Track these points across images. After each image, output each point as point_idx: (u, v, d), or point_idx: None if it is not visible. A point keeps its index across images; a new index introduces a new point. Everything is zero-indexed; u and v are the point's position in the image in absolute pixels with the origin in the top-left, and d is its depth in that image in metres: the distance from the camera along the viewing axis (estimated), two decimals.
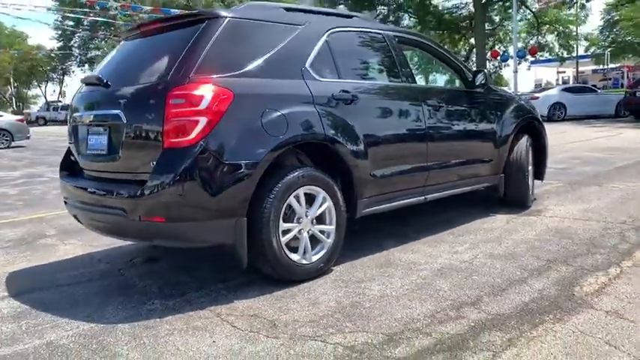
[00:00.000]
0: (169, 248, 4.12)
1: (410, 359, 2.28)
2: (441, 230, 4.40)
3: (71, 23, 48.68)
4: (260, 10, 3.50)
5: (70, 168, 3.77)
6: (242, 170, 2.97)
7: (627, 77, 45.48)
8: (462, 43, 36.96)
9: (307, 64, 3.46)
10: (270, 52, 3.31)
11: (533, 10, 33.30)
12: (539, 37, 36.78)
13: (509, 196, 4.98)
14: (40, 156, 14.46)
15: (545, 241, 3.95)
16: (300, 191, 3.23)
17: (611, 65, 50.64)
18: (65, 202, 3.67)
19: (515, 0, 26.58)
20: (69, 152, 3.83)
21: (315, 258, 3.33)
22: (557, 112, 20.19)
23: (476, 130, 4.61)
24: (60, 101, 57.44)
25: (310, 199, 3.32)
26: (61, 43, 53.18)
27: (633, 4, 31.59)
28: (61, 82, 61.90)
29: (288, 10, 3.66)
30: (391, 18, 35.10)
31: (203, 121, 2.88)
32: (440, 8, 34.03)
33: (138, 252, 4.27)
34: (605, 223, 4.39)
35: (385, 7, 34.09)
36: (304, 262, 3.28)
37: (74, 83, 63.03)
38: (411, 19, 34.62)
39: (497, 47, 38.09)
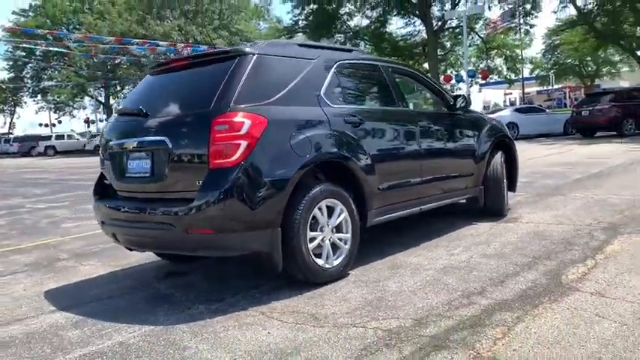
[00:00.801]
0: (189, 263, 4.49)
1: (440, 336, 2.74)
2: (434, 237, 4.91)
3: (23, 53, 47.89)
4: (279, 47, 3.98)
5: (104, 191, 4.11)
6: (277, 186, 3.41)
7: (569, 97, 48.13)
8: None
9: (322, 93, 3.96)
10: (292, 83, 3.79)
11: (482, 36, 35.07)
12: (488, 61, 38.64)
13: (489, 205, 5.56)
14: (9, 188, 14.32)
15: (527, 242, 4.52)
16: (323, 204, 3.69)
17: (555, 86, 53.56)
18: (102, 223, 3.99)
19: (465, 27, 28.05)
20: (102, 177, 4.17)
21: (336, 262, 3.78)
22: (511, 132, 21.36)
23: (459, 147, 5.20)
24: (11, 133, 56.00)
25: (330, 210, 3.78)
26: (12, 74, 52.03)
27: (573, 29, 33.77)
28: (12, 113, 60.39)
29: (300, 45, 4.17)
30: (347, 45, 36.25)
31: (244, 144, 3.31)
32: (394, 35, 35.40)
33: (159, 269, 4.60)
34: (574, 226, 5.01)
35: (342, 35, 35.19)
36: (327, 266, 3.71)
37: (26, 114, 61.39)
38: (367, 45, 35.83)
39: (449, 71, 39.74)
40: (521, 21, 34.05)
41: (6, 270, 4.95)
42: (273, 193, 3.40)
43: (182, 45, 35.49)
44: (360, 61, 4.57)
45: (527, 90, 49.87)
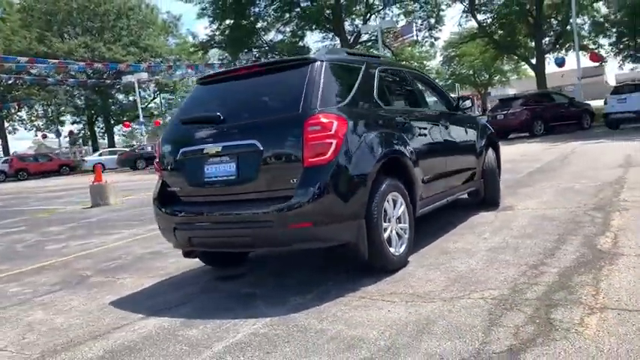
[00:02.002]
0: (234, 267, 4.62)
1: (544, 298, 3.15)
2: (453, 227, 5.37)
3: None
4: (337, 55, 4.29)
5: (168, 199, 4.16)
6: (361, 180, 3.71)
7: (475, 104, 51.57)
8: None
9: (375, 96, 4.30)
10: (355, 87, 4.10)
11: (392, 48, 36.86)
12: None
13: (487, 196, 6.13)
14: None
15: (541, 225, 5.09)
16: (390, 196, 4.02)
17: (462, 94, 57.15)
18: (174, 230, 4.04)
19: (380, 40, 29.47)
20: (164, 185, 4.21)
21: (401, 250, 4.11)
22: None
23: (467, 143, 5.73)
24: None
25: (393, 202, 4.11)
26: None
27: (473, 41, 36.47)
28: None
29: (347, 53, 4.50)
30: (262, 60, 36.64)
31: (334, 143, 3.57)
32: (310, 49, 36.23)
33: (205, 275, 4.68)
34: (567, 209, 5.68)
35: (258, 50, 35.53)
36: (397, 254, 4.04)
37: None
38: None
39: None
40: (427, 34, 36.24)
41: (38, 290, 4.78)
42: (358, 187, 3.69)
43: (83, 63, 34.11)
44: (391, 67, 4.98)
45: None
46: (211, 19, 32.76)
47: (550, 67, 31.70)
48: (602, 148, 12.70)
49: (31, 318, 3.96)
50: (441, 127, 5.16)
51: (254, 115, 3.85)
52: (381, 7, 34.77)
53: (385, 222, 3.98)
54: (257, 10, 33.19)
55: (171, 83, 47.08)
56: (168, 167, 4.17)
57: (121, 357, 3.00)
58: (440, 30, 36.99)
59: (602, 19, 32.92)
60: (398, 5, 35.08)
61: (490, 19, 32.72)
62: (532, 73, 33.15)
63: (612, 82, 65.83)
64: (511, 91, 52.36)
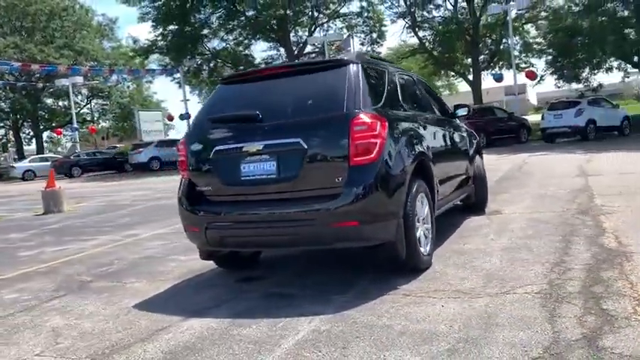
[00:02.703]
0: (249, 270, 4.58)
1: (584, 292, 3.33)
2: (453, 231, 5.54)
3: None
4: (365, 58, 4.36)
5: (197, 198, 4.06)
6: (400, 180, 3.79)
7: None
8: None
9: (400, 99, 4.41)
10: (385, 90, 4.19)
11: None
12: None
13: (477, 201, 6.38)
14: None
15: (538, 227, 5.35)
16: (418, 197, 4.12)
17: None
18: (206, 229, 3.93)
19: (327, 52, 29.83)
20: (191, 185, 4.10)
21: (427, 249, 4.21)
22: None
23: (463, 149, 5.96)
24: None
25: (420, 203, 4.21)
26: None
27: (413, 57, 37.65)
28: None
29: (371, 57, 4.59)
30: (205, 67, 36.17)
31: (378, 142, 3.64)
32: (254, 58, 36.13)
33: (222, 276, 4.58)
34: (555, 213, 6.00)
35: (200, 57, 34.98)
36: (425, 253, 4.14)
37: None
38: (226, 67, 36.12)
39: None
40: (369, 48, 37.01)
41: (40, 296, 4.52)
42: (399, 187, 3.77)
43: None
44: (405, 73, 5.11)
45: None
46: (154, 24, 31.94)
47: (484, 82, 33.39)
48: (550, 160, 13.47)
49: (52, 324, 3.74)
50: (446, 131, 5.35)
51: (294, 114, 3.84)
52: (325, 21, 35.23)
53: (417, 222, 4.08)
54: (201, 17, 32.71)
55: (107, 88, 45.43)
56: (198, 166, 4.08)
57: (184, 357, 2.91)
58: (381, 45, 37.86)
59: (531, 41, 35.01)
60: (341, 19, 35.71)
61: (430, 36, 33.94)
62: (462, 89, 34.60)
63: (534, 101, 70.49)
64: None
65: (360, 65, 4.00)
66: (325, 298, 3.68)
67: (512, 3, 28.41)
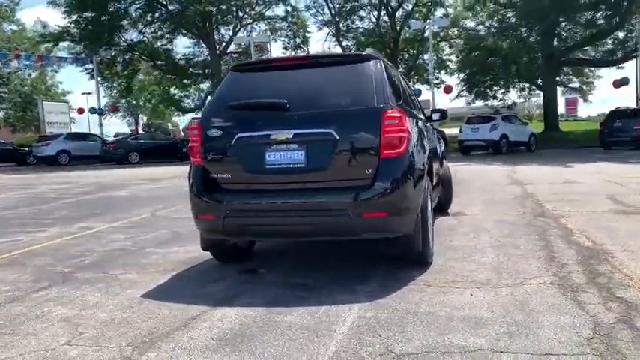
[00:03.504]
0: (240, 263, 4.53)
1: (591, 282, 3.63)
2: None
3: None
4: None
5: (211, 187, 3.94)
6: (421, 174, 3.93)
7: None
8: (192, 87, 38.61)
9: (408, 98, 4.56)
10: (401, 87, 4.32)
11: None
12: None
13: (445, 202, 6.69)
14: None
15: (509, 227, 5.71)
16: (428, 192, 4.28)
17: None
18: (225, 218, 3.82)
19: (252, 52, 29.68)
20: (206, 173, 3.96)
21: (432, 243, 4.38)
22: None
23: (439, 150, 6.22)
24: None
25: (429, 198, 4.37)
26: None
27: None
28: None
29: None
30: (119, 59, 34.60)
31: (405, 137, 3.75)
32: (174, 53, 35.09)
33: (221, 268, 4.48)
34: (516, 216, 6.43)
35: (116, 48, 33.41)
36: (432, 247, 4.30)
37: None
38: (142, 60, 34.80)
39: None
40: (292, 53, 37.28)
41: (20, 287, 4.17)
42: (420, 181, 3.91)
43: None
44: (402, 75, 5.27)
45: None
46: (67, 9, 30.01)
47: None
48: (478, 170, 14.28)
49: (59, 314, 3.47)
50: (431, 133, 5.58)
51: (321, 105, 3.84)
52: (249, 22, 35.02)
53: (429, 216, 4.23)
54: (120, 6, 31.23)
55: (5, 75, 42.03)
56: (216, 153, 3.96)
57: (240, 343, 2.83)
58: (304, 50, 38.16)
59: (444, 58, 37.05)
60: (266, 22, 35.68)
61: (353, 47, 34.81)
62: None
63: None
64: None
65: (382, 61, 4.10)
66: (348, 288, 3.72)
67: (429, 20, 30.05)
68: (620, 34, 27.96)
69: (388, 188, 3.63)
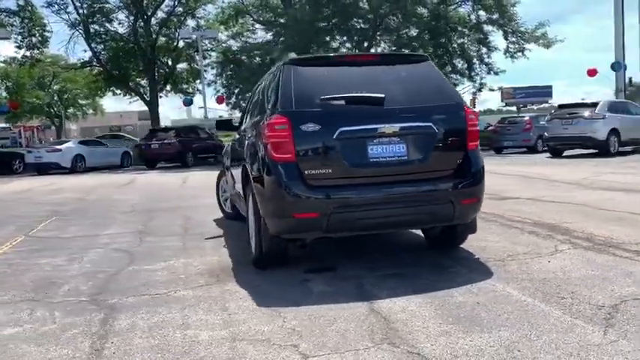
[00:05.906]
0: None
1: (597, 248, 4.70)
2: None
3: None
4: None
5: (308, 182, 3.86)
6: None
7: (24, 136, 41.60)
8: None
9: None
10: None
11: None
12: None
13: None
14: None
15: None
16: None
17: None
18: (331, 214, 3.79)
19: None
20: (297, 169, 3.85)
21: None
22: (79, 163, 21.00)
23: None
24: None
25: None
26: None
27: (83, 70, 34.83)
28: None
29: None
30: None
31: (477, 131, 4.25)
32: None
33: (251, 274, 4.24)
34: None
35: None
36: None
37: None
38: None
39: None
40: (28, 53, 32.67)
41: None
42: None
43: None
44: None
45: None
46: None
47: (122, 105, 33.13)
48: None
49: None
50: None
51: (413, 100, 4.09)
52: None
53: None
54: None
55: None
56: (315, 149, 3.84)
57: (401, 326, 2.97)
58: (42, 51, 33.63)
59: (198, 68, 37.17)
60: None
61: (105, 51, 32.13)
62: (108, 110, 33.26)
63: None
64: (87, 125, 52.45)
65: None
66: (406, 283, 3.83)
67: (184, 29, 29.78)
68: None
69: (478, 176, 4.09)
